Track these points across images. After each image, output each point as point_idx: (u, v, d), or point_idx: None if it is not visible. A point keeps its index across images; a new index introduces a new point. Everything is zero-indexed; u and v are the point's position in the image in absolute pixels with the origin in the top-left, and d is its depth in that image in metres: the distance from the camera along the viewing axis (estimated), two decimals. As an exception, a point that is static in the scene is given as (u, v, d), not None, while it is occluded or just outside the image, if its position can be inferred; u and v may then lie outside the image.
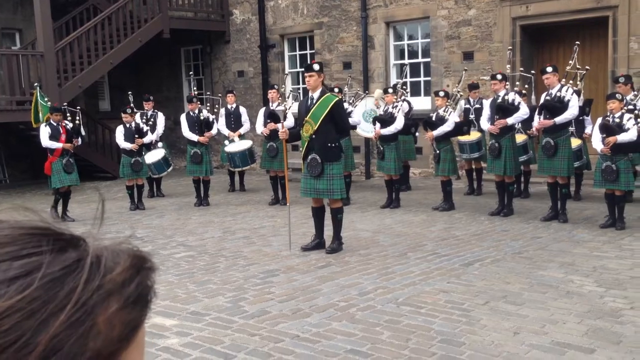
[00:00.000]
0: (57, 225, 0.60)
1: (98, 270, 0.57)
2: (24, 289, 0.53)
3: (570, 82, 8.28)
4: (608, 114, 7.47)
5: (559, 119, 7.79)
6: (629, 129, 7.21)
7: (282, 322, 4.64)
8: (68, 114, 9.93)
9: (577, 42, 8.91)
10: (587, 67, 8.75)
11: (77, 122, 10.11)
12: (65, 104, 10.71)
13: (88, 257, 0.57)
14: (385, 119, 9.49)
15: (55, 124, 9.24)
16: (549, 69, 7.94)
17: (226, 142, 11.03)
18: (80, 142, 9.87)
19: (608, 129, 7.28)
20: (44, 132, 9.17)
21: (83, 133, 10.27)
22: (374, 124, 9.66)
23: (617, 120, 7.33)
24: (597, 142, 7.43)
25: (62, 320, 0.53)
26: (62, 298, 0.54)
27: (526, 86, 9.52)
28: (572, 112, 7.81)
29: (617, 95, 7.58)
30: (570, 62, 8.68)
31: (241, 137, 11.29)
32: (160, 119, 11.56)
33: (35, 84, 11.21)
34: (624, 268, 5.83)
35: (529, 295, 5.12)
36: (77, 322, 0.54)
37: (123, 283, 0.58)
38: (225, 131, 11.16)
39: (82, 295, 0.55)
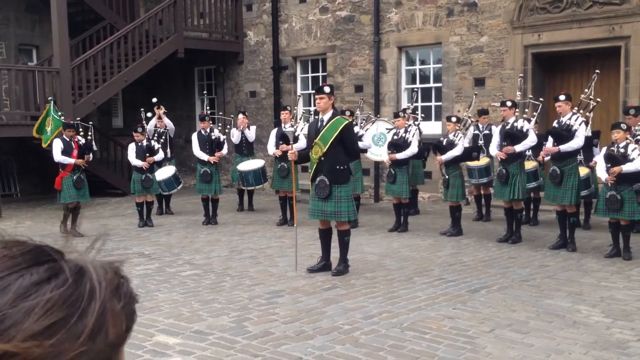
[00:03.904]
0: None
1: (98, 275, 0.65)
2: (61, 285, 0.62)
3: (581, 111, 8.28)
4: (613, 143, 7.48)
5: (564, 147, 7.79)
6: (634, 159, 7.22)
7: (286, 344, 4.63)
8: (80, 130, 10.03)
9: (597, 71, 8.87)
10: (599, 99, 8.73)
11: (89, 137, 10.20)
12: (78, 119, 10.81)
13: (84, 264, 0.65)
14: (399, 144, 9.52)
15: (67, 140, 9.32)
16: (562, 97, 7.95)
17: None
18: (92, 158, 9.95)
19: (613, 159, 7.29)
20: (57, 147, 9.26)
21: (95, 148, 10.36)
22: (389, 148, 9.68)
23: (622, 150, 7.35)
24: (602, 172, 7.44)
25: (97, 309, 0.62)
26: (88, 293, 0.63)
27: (535, 114, 9.53)
28: (577, 142, 7.81)
29: (621, 125, 7.60)
30: (586, 90, 8.66)
31: (253, 156, 11.52)
32: (169, 124, 11.90)
33: (50, 98, 11.35)
34: (632, 299, 5.78)
35: (535, 323, 5.08)
36: (103, 313, 0.63)
37: (117, 286, 0.66)
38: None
39: (100, 291, 0.63)
